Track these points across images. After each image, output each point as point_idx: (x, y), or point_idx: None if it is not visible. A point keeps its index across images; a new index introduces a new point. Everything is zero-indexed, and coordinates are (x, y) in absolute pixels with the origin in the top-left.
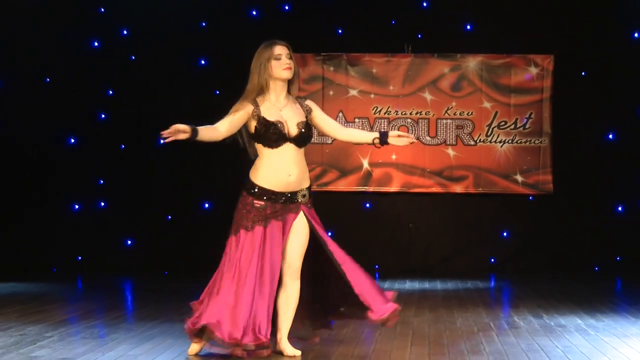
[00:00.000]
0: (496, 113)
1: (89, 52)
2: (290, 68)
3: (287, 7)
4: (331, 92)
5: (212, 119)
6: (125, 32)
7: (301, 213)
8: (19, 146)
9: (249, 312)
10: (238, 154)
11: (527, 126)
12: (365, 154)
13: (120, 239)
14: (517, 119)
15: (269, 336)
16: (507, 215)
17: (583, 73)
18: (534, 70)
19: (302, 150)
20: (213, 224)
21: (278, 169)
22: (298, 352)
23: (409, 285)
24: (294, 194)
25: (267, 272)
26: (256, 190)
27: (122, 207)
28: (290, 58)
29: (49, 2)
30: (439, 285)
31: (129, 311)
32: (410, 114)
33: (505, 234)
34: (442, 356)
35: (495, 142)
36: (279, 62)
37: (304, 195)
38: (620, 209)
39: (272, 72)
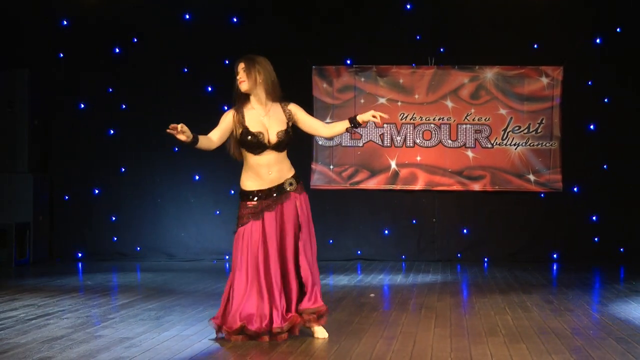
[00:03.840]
0: (511, 119)
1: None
2: (243, 81)
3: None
4: (362, 100)
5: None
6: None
7: (294, 202)
8: None
9: (251, 302)
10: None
11: (538, 130)
12: (393, 155)
13: (175, 229)
14: (529, 124)
15: (280, 319)
16: (520, 211)
17: (589, 82)
18: (545, 80)
19: (283, 152)
20: None
21: (260, 172)
22: (326, 334)
23: (432, 274)
24: (280, 185)
25: (273, 259)
26: (246, 195)
27: (174, 203)
28: (247, 70)
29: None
30: (459, 273)
31: (183, 295)
32: (434, 119)
33: (518, 227)
34: (462, 337)
35: (510, 145)
36: (237, 77)
37: (290, 184)
38: (622, 205)
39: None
